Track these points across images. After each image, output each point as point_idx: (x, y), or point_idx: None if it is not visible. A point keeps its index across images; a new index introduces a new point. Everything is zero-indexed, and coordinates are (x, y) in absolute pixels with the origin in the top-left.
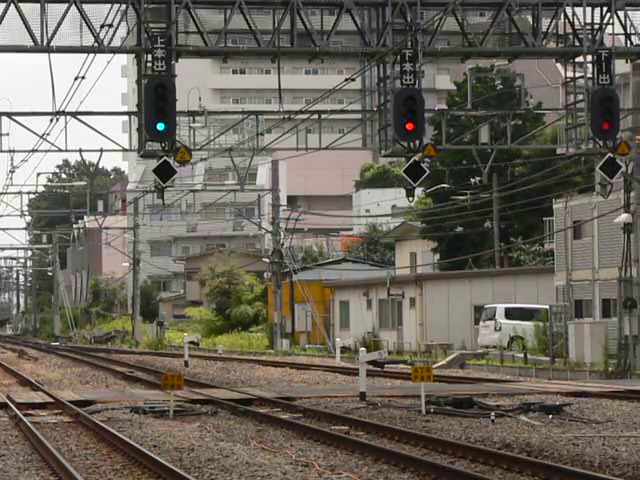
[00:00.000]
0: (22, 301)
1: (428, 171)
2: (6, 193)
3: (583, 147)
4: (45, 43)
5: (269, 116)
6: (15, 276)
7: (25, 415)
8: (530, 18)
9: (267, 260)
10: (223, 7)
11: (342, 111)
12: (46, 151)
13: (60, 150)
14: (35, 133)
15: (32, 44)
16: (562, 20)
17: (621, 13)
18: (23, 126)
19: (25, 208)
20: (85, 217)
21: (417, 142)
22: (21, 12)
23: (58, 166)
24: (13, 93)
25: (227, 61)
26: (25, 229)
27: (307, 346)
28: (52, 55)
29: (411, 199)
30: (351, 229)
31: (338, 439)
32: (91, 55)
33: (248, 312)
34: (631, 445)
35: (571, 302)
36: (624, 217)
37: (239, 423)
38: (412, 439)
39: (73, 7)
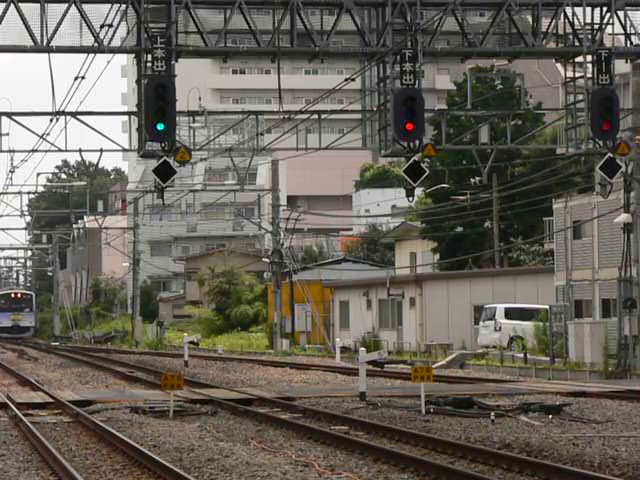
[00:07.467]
0: None
1: (428, 171)
2: (6, 193)
3: (583, 147)
4: (45, 43)
5: (269, 116)
6: (15, 276)
7: (25, 415)
8: (530, 18)
9: (267, 260)
10: (223, 7)
11: (342, 111)
12: (46, 151)
13: (60, 150)
14: (35, 133)
15: (32, 44)
16: (562, 20)
17: (621, 13)
18: (23, 126)
19: (25, 208)
20: (85, 217)
21: (417, 142)
22: (21, 12)
23: (58, 166)
24: (13, 93)
25: (227, 61)
26: (25, 229)
27: (307, 346)
28: (52, 55)
29: (411, 199)
30: (351, 229)
31: (338, 439)
32: (91, 55)
33: (248, 312)
34: (631, 445)
35: (571, 302)
36: (624, 217)
37: (239, 423)
38: (412, 439)
39: (73, 7)
